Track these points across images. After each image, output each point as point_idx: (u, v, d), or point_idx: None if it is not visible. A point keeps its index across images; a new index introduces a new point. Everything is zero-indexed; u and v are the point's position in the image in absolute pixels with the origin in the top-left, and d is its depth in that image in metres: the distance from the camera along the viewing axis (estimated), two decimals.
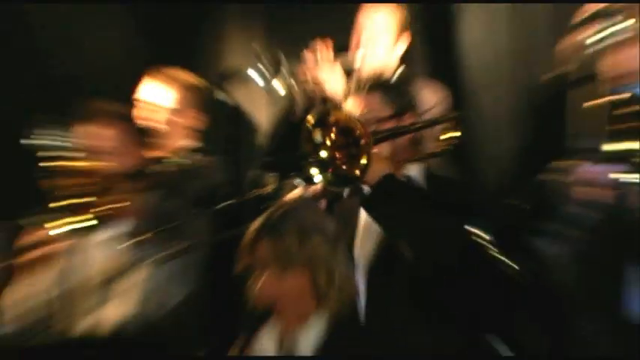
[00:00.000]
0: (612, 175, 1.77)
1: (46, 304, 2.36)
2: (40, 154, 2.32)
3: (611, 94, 1.86)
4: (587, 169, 1.88)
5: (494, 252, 1.89)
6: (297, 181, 2.26)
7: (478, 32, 3.32)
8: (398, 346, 1.90)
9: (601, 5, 1.96)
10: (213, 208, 2.43)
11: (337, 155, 1.94)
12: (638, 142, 1.74)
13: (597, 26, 1.95)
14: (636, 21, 1.88)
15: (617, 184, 1.78)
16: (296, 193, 2.24)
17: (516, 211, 2.13)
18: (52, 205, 2.32)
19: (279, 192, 2.41)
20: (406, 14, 2.99)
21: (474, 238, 1.90)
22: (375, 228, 1.97)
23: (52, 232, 2.32)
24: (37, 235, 2.36)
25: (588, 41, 1.99)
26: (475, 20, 3.32)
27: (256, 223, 1.93)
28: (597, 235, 1.86)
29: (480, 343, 1.94)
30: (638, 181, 1.74)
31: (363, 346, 1.84)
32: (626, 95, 1.81)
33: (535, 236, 1.99)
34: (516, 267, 1.88)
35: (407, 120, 2.15)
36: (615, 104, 1.81)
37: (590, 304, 1.90)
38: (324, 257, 1.90)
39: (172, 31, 3.62)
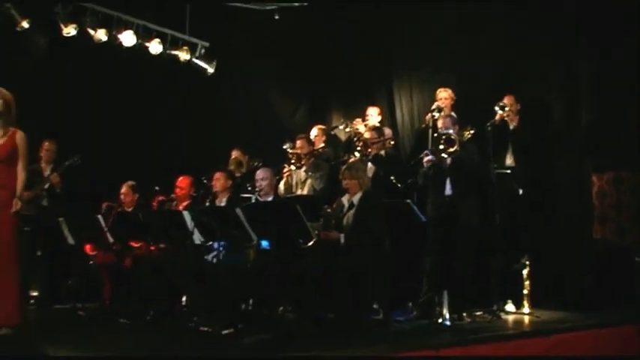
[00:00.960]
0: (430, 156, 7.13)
1: None
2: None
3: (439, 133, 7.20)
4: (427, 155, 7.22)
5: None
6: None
7: (402, 118, 9.05)
8: None
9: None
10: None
11: (363, 148, 7.31)
12: (442, 147, 7.03)
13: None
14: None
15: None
16: (354, 159, 7.50)
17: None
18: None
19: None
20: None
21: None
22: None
23: None
24: None
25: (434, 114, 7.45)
26: (399, 112, 9.05)
27: (344, 167, 7.05)
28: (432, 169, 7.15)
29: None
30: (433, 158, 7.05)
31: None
32: (444, 132, 7.13)
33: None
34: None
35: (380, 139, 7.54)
36: (439, 135, 7.13)
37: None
38: (363, 175, 7.01)
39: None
